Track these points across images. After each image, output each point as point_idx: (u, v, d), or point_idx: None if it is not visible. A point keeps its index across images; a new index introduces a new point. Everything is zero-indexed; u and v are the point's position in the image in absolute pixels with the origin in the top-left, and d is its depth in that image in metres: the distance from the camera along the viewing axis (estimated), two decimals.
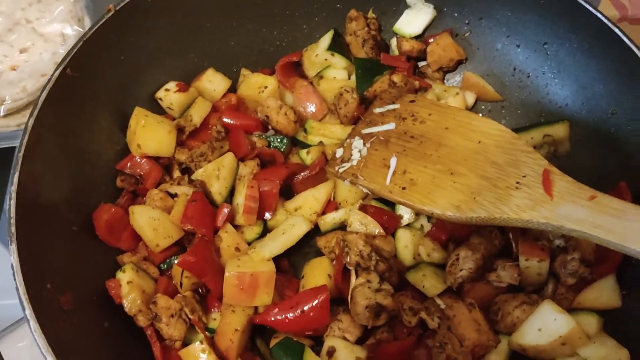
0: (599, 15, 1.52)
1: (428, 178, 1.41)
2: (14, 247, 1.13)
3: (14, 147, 1.56)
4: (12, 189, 1.20)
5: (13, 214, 1.17)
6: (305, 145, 1.69)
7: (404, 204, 1.44)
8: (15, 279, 1.10)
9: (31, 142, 1.28)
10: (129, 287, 1.34)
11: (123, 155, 1.59)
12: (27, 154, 1.27)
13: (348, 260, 1.43)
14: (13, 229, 1.15)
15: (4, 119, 1.65)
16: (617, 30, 1.48)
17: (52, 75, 1.38)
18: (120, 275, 1.37)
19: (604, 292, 1.39)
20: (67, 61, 1.41)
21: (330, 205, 1.61)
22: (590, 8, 1.53)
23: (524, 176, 1.31)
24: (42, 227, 1.26)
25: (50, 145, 1.36)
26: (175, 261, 1.40)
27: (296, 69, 1.84)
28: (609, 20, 1.51)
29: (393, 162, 1.47)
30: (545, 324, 1.28)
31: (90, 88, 1.51)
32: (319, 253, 1.56)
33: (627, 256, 1.13)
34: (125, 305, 1.34)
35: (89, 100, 1.51)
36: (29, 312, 1.08)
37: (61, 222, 1.35)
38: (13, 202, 1.18)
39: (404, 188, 1.42)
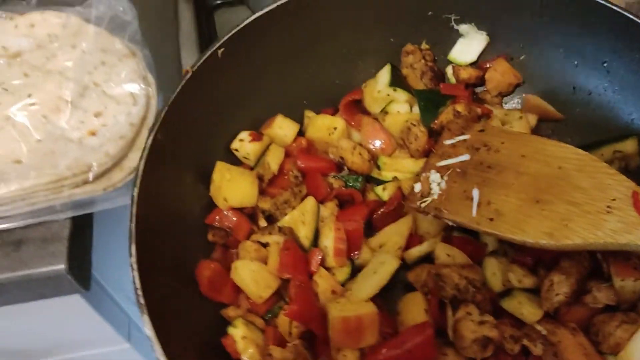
0: None
1: (513, 207, 1.44)
2: (146, 317, 1.17)
3: (102, 211, 1.63)
4: (133, 260, 1.25)
5: (139, 285, 1.21)
6: (380, 182, 1.74)
7: (492, 235, 1.47)
8: (154, 350, 1.14)
9: (139, 212, 1.33)
10: (244, 342, 1.38)
11: (207, 209, 1.64)
12: (138, 224, 1.32)
13: (444, 294, 1.47)
14: (142, 300, 1.19)
15: (92, 184, 1.70)
16: None
17: (146, 142, 1.44)
18: (232, 331, 1.41)
19: None
20: (157, 126, 1.47)
21: (413, 238, 1.65)
22: None
23: (614, 199, 1.35)
24: (159, 293, 1.31)
25: (152, 211, 1.41)
26: (283, 312, 1.44)
27: (357, 106, 1.89)
28: None
29: (475, 193, 1.50)
30: None
31: (175, 149, 1.56)
32: (407, 286, 1.60)
33: None
34: None
35: (175, 160, 1.57)
36: None
37: (170, 283, 1.40)
38: (136, 274, 1.22)
39: (491, 219, 1.46)
